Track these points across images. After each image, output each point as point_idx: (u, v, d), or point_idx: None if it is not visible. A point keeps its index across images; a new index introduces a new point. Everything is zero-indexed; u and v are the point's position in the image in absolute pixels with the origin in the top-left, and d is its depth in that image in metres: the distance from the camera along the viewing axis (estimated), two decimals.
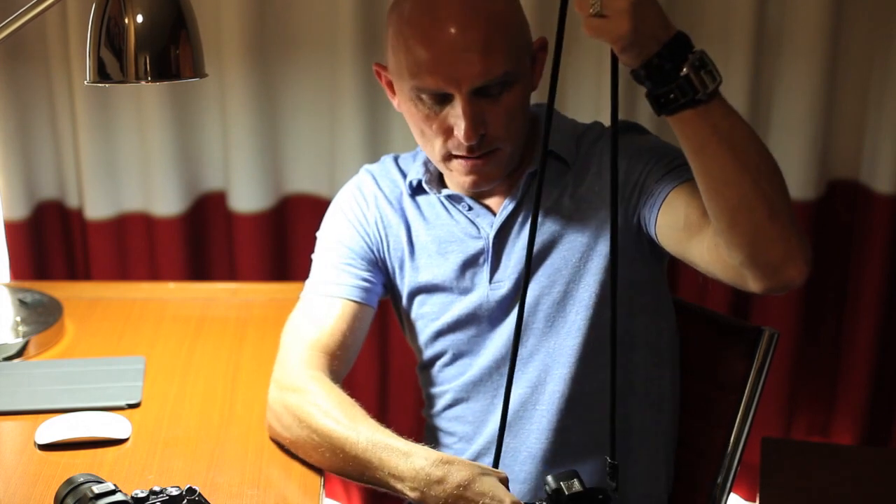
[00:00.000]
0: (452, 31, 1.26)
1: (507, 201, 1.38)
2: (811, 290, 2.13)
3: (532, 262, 1.36)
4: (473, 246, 1.40)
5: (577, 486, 1.11)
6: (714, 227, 1.15)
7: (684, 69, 1.02)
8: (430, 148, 1.35)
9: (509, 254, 1.39)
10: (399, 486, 1.22)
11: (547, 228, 1.37)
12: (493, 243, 1.39)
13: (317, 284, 1.44)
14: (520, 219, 1.38)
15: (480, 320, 1.41)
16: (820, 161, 2.04)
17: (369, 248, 1.45)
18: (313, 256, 1.49)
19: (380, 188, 1.47)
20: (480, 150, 1.31)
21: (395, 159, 1.51)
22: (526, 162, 1.39)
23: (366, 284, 1.44)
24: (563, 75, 1.99)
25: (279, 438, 1.36)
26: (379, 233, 1.45)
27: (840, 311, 2.18)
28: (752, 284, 1.15)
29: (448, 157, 1.34)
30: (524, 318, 1.36)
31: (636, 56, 1.03)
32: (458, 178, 1.36)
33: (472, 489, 1.16)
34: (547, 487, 1.13)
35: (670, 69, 1.03)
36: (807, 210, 2.05)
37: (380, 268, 1.46)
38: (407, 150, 1.94)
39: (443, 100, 1.29)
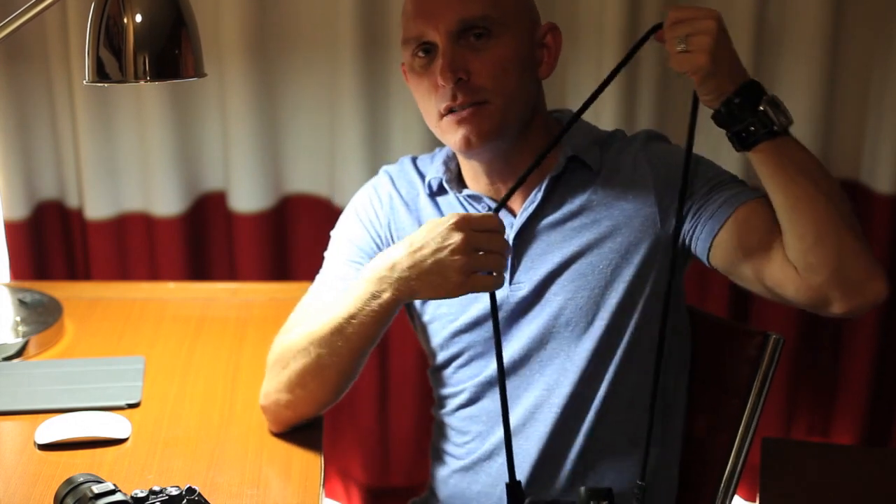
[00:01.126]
0: None
1: (527, 202, 1.37)
2: None
3: (558, 267, 1.36)
4: None
5: None
6: (795, 250, 1.20)
7: (761, 106, 1.18)
8: (429, 114, 1.35)
9: (531, 255, 1.38)
10: (379, 302, 1.28)
11: (573, 232, 1.36)
12: (515, 244, 1.38)
13: (324, 280, 1.44)
14: (542, 221, 1.38)
15: (499, 320, 1.40)
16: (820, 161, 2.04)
17: (378, 247, 1.45)
18: (325, 254, 1.49)
19: (396, 189, 1.47)
20: (464, 99, 1.30)
21: (414, 160, 1.50)
22: (548, 166, 1.37)
23: None
24: (563, 75, 1.99)
25: (270, 415, 1.38)
26: (390, 233, 1.45)
27: None
28: (837, 305, 1.21)
29: (440, 116, 1.33)
30: (548, 324, 1.37)
31: (714, 92, 1.19)
32: (450, 137, 1.34)
33: (417, 240, 1.25)
34: (579, 501, 1.20)
35: (748, 107, 1.18)
36: None
37: None
38: (407, 149, 1.95)
39: (430, 52, 1.31)
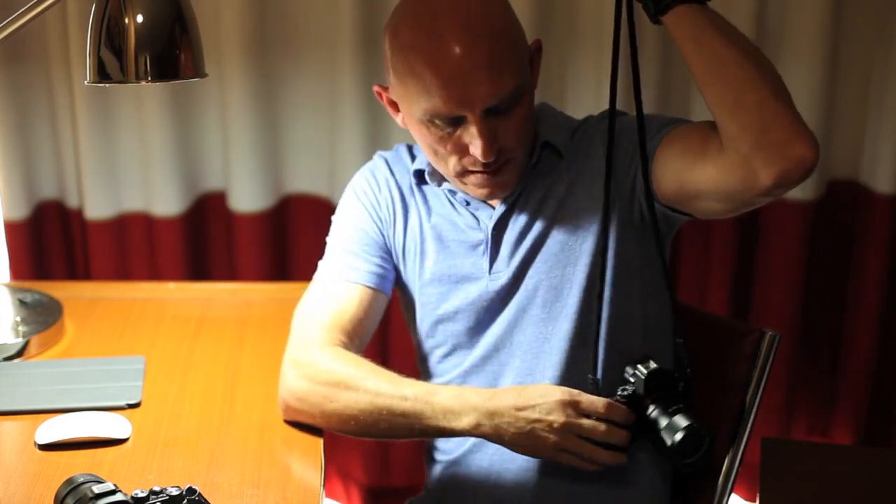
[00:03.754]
0: (458, 52, 1.26)
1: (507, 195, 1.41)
2: (811, 290, 2.13)
3: (530, 251, 1.39)
4: (474, 236, 1.42)
5: (652, 364, 1.32)
6: (718, 121, 1.19)
7: None
8: (444, 166, 1.36)
9: (508, 244, 1.40)
10: (457, 424, 1.28)
11: (543, 216, 1.39)
12: (492, 234, 1.40)
13: (332, 269, 1.46)
14: (517, 209, 1.40)
15: (479, 310, 1.42)
16: (820, 161, 2.03)
17: (382, 233, 1.47)
18: (328, 239, 1.50)
19: (392, 174, 1.49)
20: (496, 165, 1.33)
21: (409, 148, 1.52)
22: (525, 158, 1.40)
23: (380, 271, 1.46)
24: (563, 75, 1.99)
25: (304, 418, 1.38)
26: (391, 217, 1.47)
27: (840, 311, 2.18)
28: (763, 174, 1.15)
29: (463, 174, 1.35)
30: (523, 305, 1.39)
31: None
32: (473, 191, 1.38)
33: (525, 399, 1.27)
34: (626, 375, 1.32)
35: None
36: (807, 210, 2.05)
37: (390, 254, 1.48)
38: None
39: (456, 121, 1.31)
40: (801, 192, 2.04)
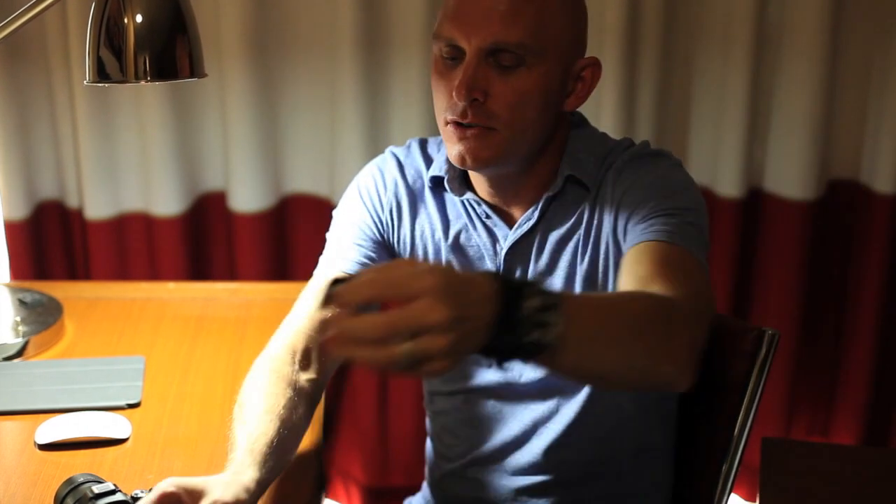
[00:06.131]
0: None
1: (523, 219, 1.33)
2: (811, 289, 2.13)
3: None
4: (487, 255, 1.36)
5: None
6: None
7: (526, 325, 0.86)
8: (437, 109, 1.29)
9: (522, 276, 1.34)
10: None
11: (563, 256, 1.32)
12: (506, 259, 1.35)
13: (323, 261, 1.41)
14: (535, 242, 1.33)
15: None
16: (820, 161, 2.04)
17: (380, 231, 1.41)
18: (327, 235, 1.46)
19: (403, 175, 1.41)
20: (472, 119, 1.23)
21: (422, 144, 1.44)
22: (547, 182, 1.32)
23: (367, 262, 1.39)
24: None
25: None
26: (392, 220, 1.41)
27: (840, 310, 2.18)
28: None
29: (446, 123, 1.27)
30: None
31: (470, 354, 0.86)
32: (449, 147, 1.28)
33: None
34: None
35: (513, 332, 0.86)
36: (807, 210, 2.05)
37: (389, 251, 1.42)
38: None
39: (457, 57, 1.24)
40: (801, 192, 2.04)
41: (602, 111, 1.98)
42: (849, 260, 2.15)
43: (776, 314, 2.12)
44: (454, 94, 1.23)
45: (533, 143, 1.28)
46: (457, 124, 1.25)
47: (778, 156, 2.06)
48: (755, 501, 2.23)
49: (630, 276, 1.16)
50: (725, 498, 1.39)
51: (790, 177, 2.05)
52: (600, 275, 1.30)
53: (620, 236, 1.26)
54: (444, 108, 1.26)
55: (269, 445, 1.17)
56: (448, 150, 1.29)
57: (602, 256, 1.29)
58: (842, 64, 2.01)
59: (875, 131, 2.05)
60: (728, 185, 2.05)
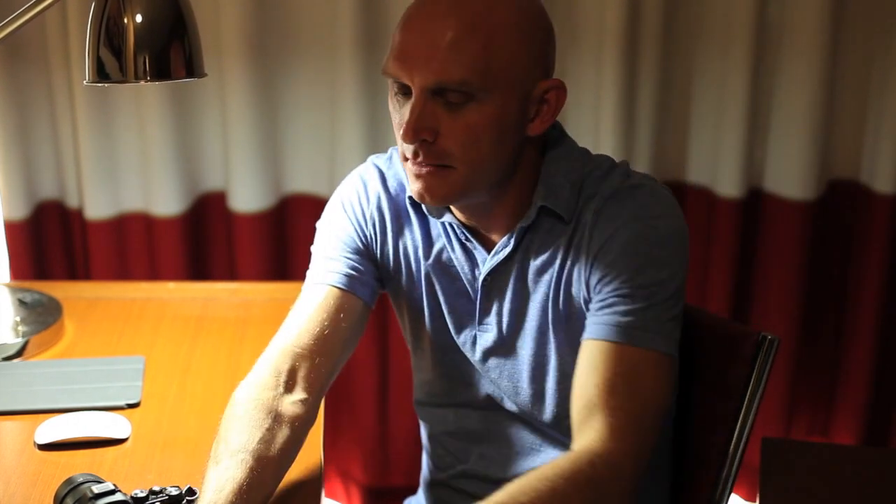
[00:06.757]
0: (430, 23, 1.19)
1: (499, 245, 1.30)
2: (811, 289, 2.13)
3: (522, 320, 1.32)
4: (466, 278, 1.35)
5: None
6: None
7: None
8: (397, 143, 1.27)
9: (499, 303, 1.33)
10: None
11: (539, 288, 1.30)
12: (483, 284, 1.33)
13: (311, 276, 1.39)
14: (514, 271, 1.31)
15: (465, 350, 1.38)
16: (820, 161, 2.04)
17: (364, 243, 1.39)
18: (312, 249, 1.45)
19: (385, 187, 1.38)
20: (425, 160, 1.21)
21: None
22: (521, 212, 1.29)
23: (353, 273, 1.36)
24: (563, 75, 1.98)
25: None
26: (375, 234, 1.39)
27: (840, 310, 2.18)
28: None
29: (404, 159, 1.25)
30: (512, 376, 1.35)
31: None
32: (409, 182, 1.27)
33: None
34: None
35: None
36: (807, 210, 2.05)
37: (373, 262, 1.39)
38: None
39: (407, 93, 1.21)
40: (801, 192, 2.04)
41: (602, 111, 1.98)
42: (849, 260, 2.15)
43: (776, 314, 2.12)
44: (401, 134, 1.20)
45: (495, 173, 1.24)
46: (413, 162, 1.23)
47: (778, 156, 2.06)
48: (755, 501, 2.23)
49: (580, 389, 1.20)
50: (726, 498, 1.40)
51: (790, 177, 2.05)
52: (578, 314, 1.28)
53: (592, 293, 1.24)
54: (400, 144, 1.24)
55: (237, 492, 1.13)
56: (409, 185, 1.27)
57: (575, 299, 1.27)
58: (842, 64, 2.01)
59: (875, 131, 2.05)
60: (728, 185, 2.05)
